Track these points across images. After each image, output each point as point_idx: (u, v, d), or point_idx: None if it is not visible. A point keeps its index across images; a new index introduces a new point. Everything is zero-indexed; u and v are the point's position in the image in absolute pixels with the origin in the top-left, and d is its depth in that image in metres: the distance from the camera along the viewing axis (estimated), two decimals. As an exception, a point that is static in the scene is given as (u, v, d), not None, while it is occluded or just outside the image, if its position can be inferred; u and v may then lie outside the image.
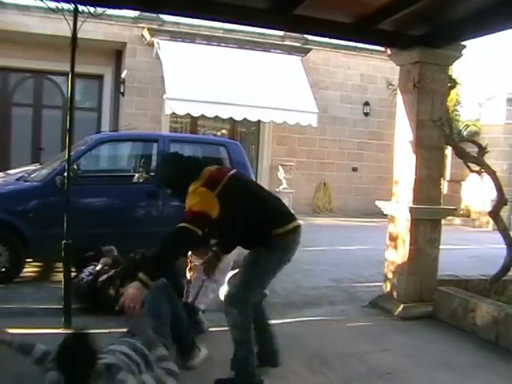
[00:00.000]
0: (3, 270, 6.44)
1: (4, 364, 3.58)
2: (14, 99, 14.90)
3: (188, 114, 13.74)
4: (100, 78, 15.41)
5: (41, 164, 8.61)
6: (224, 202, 3.55)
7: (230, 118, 14.09)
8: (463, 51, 5.89)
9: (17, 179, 7.19)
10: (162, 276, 3.63)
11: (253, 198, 3.79)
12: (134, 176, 8.40)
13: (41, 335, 4.44)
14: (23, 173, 7.50)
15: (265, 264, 3.70)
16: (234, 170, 3.99)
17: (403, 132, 5.91)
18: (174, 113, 13.36)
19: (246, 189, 3.87)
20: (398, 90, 6.13)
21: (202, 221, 3.46)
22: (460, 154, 6.10)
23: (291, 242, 3.77)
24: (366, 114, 16.70)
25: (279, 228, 3.69)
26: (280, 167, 15.26)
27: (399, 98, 6.05)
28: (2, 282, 6.34)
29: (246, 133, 16.27)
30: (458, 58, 5.94)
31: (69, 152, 5.07)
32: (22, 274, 6.70)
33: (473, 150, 6.50)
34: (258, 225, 3.70)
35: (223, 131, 15.94)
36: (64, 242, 4.89)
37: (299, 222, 3.89)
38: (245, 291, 3.64)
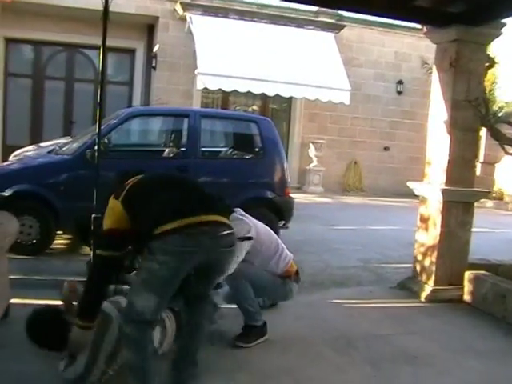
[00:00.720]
0: (34, 241, 6.53)
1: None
2: (46, 73, 14.99)
3: (220, 90, 13.71)
4: (132, 52, 15.40)
5: (72, 137, 8.67)
6: (129, 209, 3.03)
7: (262, 95, 14.00)
8: (503, 29, 5.70)
9: (48, 152, 7.24)
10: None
11: (149, 196, 3.10)
12: (164, 151, 8.42)
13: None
14: (54, 146, 7.56)
15: (151, 272, 2.93)
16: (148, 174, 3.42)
17: (437, 112, 5.77)
18: (205, 88, 13.32)
19: (146, 187, 3.21)
20: (434, 68, 5.96)
21: (114, 240, 3.03)
22: (495, 135, 5.97)
23: (195, 238, 2.92)
24: (400, 93, 16.42)
25: (169, 223, 2.89)
26: (311, 144, 15.20)
27: (434, 77, 5.90)
28: (33, 254, 6.44)
29: (277, 109, 16.16)
30: (498, 36, 5.73)
31: (99, 126, 5.08)
32: (52, 246, 6.79)
33: (509, 132, 6.36)
34: (145, 224, 2.98)
35: (254, 107, 15.86)
36: (93, 215, 4.91)
37: (221, 219, 3.13)
38: (129, 310, 3.01)
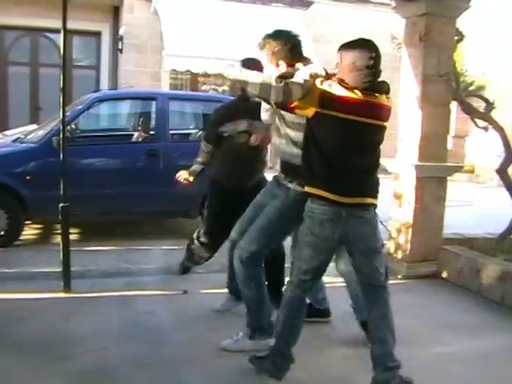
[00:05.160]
0: (2, 233, 6.37)
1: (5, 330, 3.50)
2: (9, 58, 14.60)
3: (188, 71, 13.52)
4: (98, 34, 15.08)
5: (38, 124, 8.46)
6: None
7: (231, 75, 13.83)
8: (471, 2, 5.66)
9: (13, 141, 7.05)
10: None
11: None
12: (133, 135, 8.27)
13: (40, 300, 4.38)
14: (20, 134, 7.37)
15: None
16: None
17: (408, 87, 5.71)
18: (173, 69, 13.16)
19: None
20: (403, 43, 5.91)
21: None
22: (467, 109, 5.94)
23: None
24: (369, 69, 16.35)
25: None
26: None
27: (404, 52, 5.83)
28: (2, 246, 6.28)
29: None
30: (466, 9, 5.67)
31: (63, 112, 4.93)
32: (21, 237, 6.62)
33: (479, 104, 6.33)
34: None
35: (225, 88, 15.68)
36: (61, 205, 4.79)
37: None
38: None
